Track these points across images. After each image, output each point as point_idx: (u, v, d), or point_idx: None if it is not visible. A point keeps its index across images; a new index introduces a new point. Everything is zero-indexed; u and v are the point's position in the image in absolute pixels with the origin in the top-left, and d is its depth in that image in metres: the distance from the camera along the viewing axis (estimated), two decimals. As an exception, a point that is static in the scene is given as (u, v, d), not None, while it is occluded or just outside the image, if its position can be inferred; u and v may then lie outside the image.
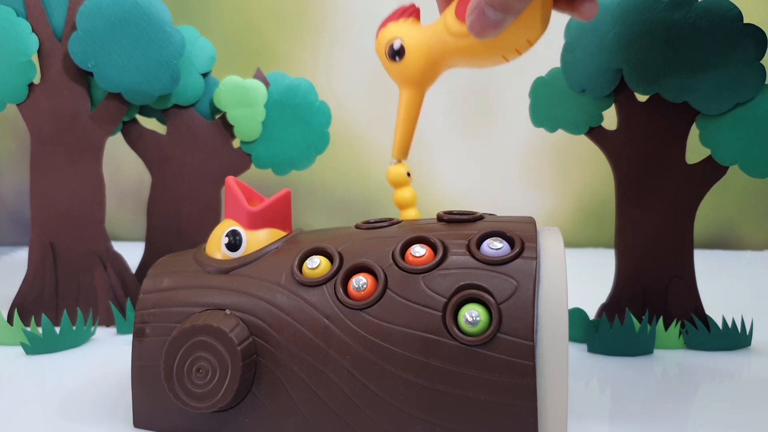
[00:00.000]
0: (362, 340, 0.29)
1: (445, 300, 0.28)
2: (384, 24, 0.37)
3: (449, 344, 0.28)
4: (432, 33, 0.36)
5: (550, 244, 0.30)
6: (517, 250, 0.29)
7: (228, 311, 0.31)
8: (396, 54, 0.36)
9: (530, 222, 0.31)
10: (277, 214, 0.34)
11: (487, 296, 0.28)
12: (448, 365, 0.27)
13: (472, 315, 0.27)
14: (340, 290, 0.30)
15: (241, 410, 0.30)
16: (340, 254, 0.31)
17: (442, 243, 0.30)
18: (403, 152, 0.38)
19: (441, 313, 0.28)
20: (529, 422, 0.27)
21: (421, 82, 0.37)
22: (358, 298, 0.29)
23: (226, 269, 0.32)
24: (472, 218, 0.32)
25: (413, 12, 0.37)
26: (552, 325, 0.27)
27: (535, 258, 0.28)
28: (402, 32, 0.36)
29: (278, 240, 0.33)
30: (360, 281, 0.29)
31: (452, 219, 0.32)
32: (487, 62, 0.36)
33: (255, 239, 0.33)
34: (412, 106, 0.37)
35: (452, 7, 0.35)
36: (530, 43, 0.34)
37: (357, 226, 0.34)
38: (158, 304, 0.32)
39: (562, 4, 0.35)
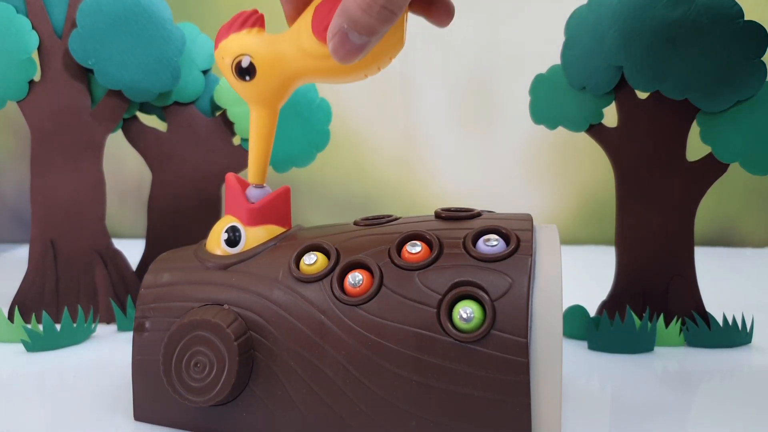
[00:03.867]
0: (357, 335, 0.29)
1: (439, 296, 0.28)
2: (224, 34, 0.33)
3: (443, 341, 0.28)
4: (285, 49, 0.32)
5: (546, 241, 0.30)
6: (513, 247, 0.29)
7: (226, 306, 0.31)
8: (245, 73, 0.32)
9: (527, 219, 0.31)
10: (277, 211, 0.34)
11: (481, 293, 0.28)
12: (443, 361, 0.28)
13: (467, 312, 0.27)
14: (336, 286, 0.30)
15: (238, 404, 0.31)
16: (337, 251, 0.31)
17: (438, 240, 0.30)
18: (260, 176, 0.35)
19: (435, 310, 0.28)
20: (522, 418, 0.27)
21: (273, 101, 0.33)
22: (353, 294, 0.29)
23: (225, 265, 0.33)
24: (470, 215, 0.32)
25: (257, 20, 0.33)
26: (546, 322, 0.27)
27: (530, 255, 0.28)
28: (249, 47, 0.32)
29: (277, 236, 0.34)
30: (356, 277, 0.30)
31: (450, 216, 0.32)
32: (346, 80, 0.33)
33: (254, 235, 0.33)
34: (266, 126, 0.34)
35: (306, 24, 0.31)
36: (391, 59, 0.32)
37: (355, 223, 0.34)
38: (158, 299, 0.32)
39: (417, 7, 0.33)
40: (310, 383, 0.29)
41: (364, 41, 0.28)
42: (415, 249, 0.30)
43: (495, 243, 0.29)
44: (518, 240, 0.29)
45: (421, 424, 0.28)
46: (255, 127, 0.34)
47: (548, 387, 0.27)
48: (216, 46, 0.33)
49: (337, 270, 0.30)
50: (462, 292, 0.28)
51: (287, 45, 0.32)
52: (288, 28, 0.33)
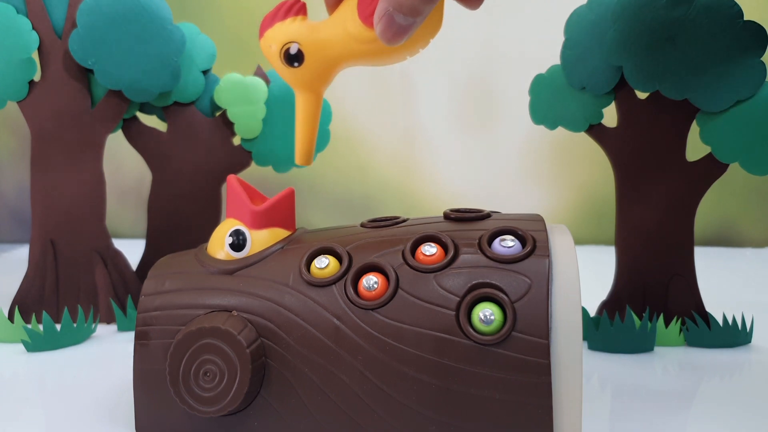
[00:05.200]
0: (374, 340, 0.28)
1: (458, 299, 0.28)
2: (269, 23, 0.34)
3: (463, 343, 0.27)
4: (331, 35, 0.33)
5: (560, 242, 0.30)
6: (529, 248, 0.29)
7: (234, 313, 0.30)
8: (294, 59, 0.33)
9: (539, 220, 0.31)
10: (281, 214, 0.33)
11: (501, 295, 0.28)
12: (462, 365, 0.27)
13: (486, 314, 0.27)
14: (351, 290, 0.29)
15: (249, 414, 0.30)
16: (348, 254, 0.30)
17: (453, 241, 0.30)
18: (308, 158, 0.36)
19: (454, 312, 0.28)
20: (544, 420, 0.27)
21: (319, 85, 0.35)
22: (369, 298, 0.29)
23: (231, 270, 0.32)
24: (480, 216, 0.32)
25: (300, 8, 0.34)
26: (566, 323, 0.27)
27: (548, 256, 0.28)
28: (296, 35, 0.33)
29: (283, 239, 0.33)
30: (371, 281, 0.29)
31: (460, 217, 0.32)
32: (390, 62, 0.34)
33: (259, 239, 0.32)
34: (312, 110, 0.35)
35: (351, 9, 0.33)
36: (429, 41, 0.33)
37: (362, 225, 0.34)
38: (161, 307, 0.31)
39: None
40: (325, 390, 0.29)
41: (409, 22, 0.30)
42: (430, 251, 0.29)
43: (511, 244, 0.29)
44: (534, 241, 0.29)
45: (441, 429, 0.28)
46: (302, 111, 0.35)
47: (570, 388, 0.27)
48: (261, 36, 0.34)
49: (351, 273, 0.30)
50: (481, 294, 0.28)
51: (333, 30, 0.33)
52: (328, 16, 0.34)
